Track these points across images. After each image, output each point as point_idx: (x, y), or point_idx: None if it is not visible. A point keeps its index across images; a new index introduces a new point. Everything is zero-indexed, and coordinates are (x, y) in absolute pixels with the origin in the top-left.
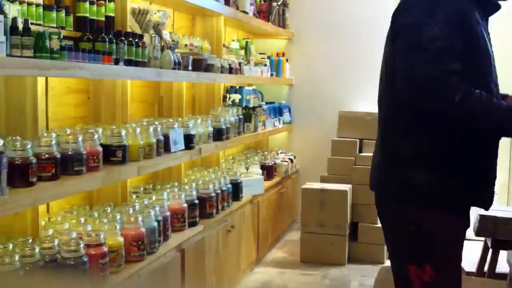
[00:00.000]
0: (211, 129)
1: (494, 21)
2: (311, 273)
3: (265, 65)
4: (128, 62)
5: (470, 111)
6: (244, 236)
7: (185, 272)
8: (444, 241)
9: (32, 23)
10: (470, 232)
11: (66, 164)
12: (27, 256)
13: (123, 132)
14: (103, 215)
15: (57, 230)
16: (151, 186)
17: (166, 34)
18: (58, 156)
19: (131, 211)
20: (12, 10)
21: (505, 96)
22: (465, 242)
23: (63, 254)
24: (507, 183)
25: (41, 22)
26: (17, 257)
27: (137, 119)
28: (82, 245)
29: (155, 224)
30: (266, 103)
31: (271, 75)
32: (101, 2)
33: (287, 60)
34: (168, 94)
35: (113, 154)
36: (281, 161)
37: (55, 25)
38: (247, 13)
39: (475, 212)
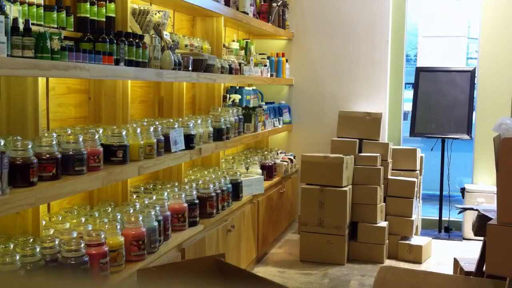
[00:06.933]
0: (211, 129)
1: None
2: (310, 273)
3: (265, 65)
4: (129, 63)
5: None
6: (244, 235)
7: None
8: None
9: (33, 24)
10: (469, 232)
11: (66, 164)
12: (28, 255)
13: (124, 132)
14: (103, 215)
15: (58, 229)
16: (151, 186)
17: (166, 34)
18: (59, 156)
19: (131, 211)
20: (13, 11)
21: None
22: (464, 242)
23: (64, 253)
24: None
25: (42, 23)
26: (18, 257)
27: (137, 119)
28: (82, 245)
29: (156, 223)
30: (266, 103)
31: (271, 75)
32: (102, 2)
33: (287, 61)
34: (168, 94)
35: (114, 154)
36: (281, 161)
37: (55, 26)
38: (247, 13)
39: (474, 212)
